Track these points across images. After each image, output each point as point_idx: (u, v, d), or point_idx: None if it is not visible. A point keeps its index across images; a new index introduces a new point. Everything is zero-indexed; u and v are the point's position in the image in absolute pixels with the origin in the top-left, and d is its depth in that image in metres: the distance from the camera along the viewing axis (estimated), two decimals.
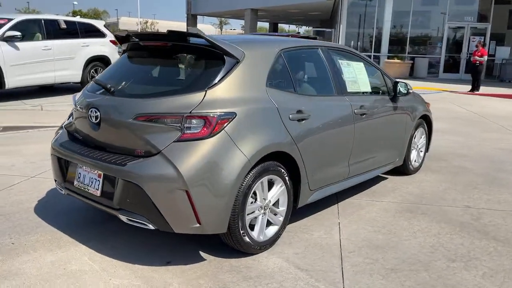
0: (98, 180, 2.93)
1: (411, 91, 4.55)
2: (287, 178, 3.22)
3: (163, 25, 73.16)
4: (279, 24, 45.14)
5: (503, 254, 3.24)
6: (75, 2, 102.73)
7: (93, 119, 3.02)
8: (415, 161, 5.20)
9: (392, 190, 4.62)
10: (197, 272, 2.86)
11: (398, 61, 20.66)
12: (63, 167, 3.25)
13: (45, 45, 9.65)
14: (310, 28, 37.19)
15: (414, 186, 4.77)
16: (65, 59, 10.09)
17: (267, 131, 3.01)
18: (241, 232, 2.93)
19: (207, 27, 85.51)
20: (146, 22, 74.15)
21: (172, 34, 3.07)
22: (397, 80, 4.58)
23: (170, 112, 2.75)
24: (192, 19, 33.34)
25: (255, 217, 3.08)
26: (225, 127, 2.78)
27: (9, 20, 9.23)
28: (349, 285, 2.76)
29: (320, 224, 3.68)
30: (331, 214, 3.92)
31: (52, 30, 9.91)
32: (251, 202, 3.02)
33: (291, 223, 3.65)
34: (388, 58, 21.45)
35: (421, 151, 5.33)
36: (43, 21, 9.85)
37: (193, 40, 3.08)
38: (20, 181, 4.50)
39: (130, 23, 71.10)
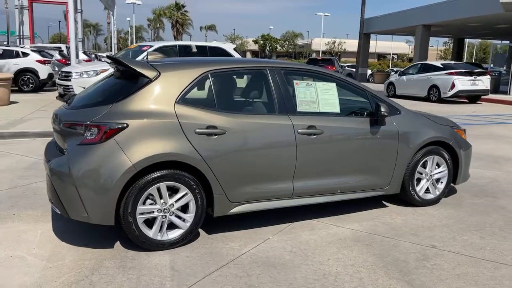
0: None
1: (386, 113, 4.16)
2: (195, 187, 3.52)
3: (350, 44, 74.13)
4: (468, 40, 41.05)
5: None
6: (271, 27, 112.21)
7: (52, 125, 3.90)
8: (426, 191, 4.65)
9: (371, 218, 4.29)
10: (94, 255, 3.43)
11: None
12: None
13: None
14: (499, 41, 32.84)
15: (403, 219, 4.31)
16: None
17: (162, 142, 3.39)
18: (133, 228, 3.38)
19: (400, 45, 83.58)
20: (334, 42, 76.23)
21: (110, 59, 3.75)
22: (381, 102, 4.26)
23: (78, 121, 3.42)
24: (365, 37, 33.41)
25: (155, 218, 3.48)
26: (114, 135, 3.30)
27: (150, 46, 11.29)
28: None
29: (247, 237, 3.80)
30: (273, 230, 3.96)
31: (185, 54, 11.63)
32: (150, 204, 3.44)
33: (224, 232, 3.88)
34: None
35: (441, 182, 4.72)
36: (177, 47, 11.68)
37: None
38: None
39: (321, 44, 74.40)
